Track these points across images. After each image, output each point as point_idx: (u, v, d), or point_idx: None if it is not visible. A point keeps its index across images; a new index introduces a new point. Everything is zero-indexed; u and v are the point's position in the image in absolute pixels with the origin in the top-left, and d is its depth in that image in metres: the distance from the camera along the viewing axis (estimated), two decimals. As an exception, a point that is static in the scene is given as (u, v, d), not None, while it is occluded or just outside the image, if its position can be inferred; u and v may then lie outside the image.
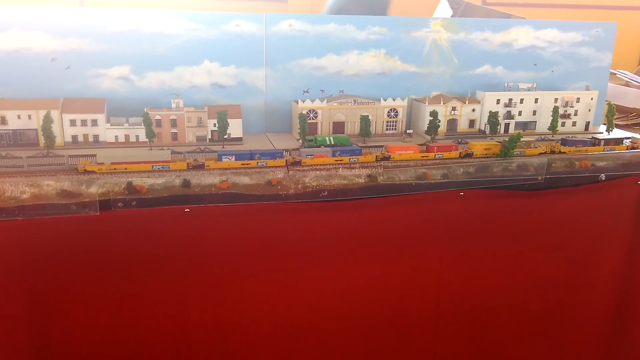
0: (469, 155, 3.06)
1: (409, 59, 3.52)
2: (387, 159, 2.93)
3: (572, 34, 3.78)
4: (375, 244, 2.88)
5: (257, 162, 2.75)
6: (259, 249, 2.71)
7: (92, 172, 2.53)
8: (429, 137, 3.27)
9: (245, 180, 2.62)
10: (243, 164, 2.72)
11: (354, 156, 2.88)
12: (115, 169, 2.56)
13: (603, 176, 3.14)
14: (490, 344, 3.32)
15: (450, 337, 3.21)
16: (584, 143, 3.24)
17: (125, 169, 2.57)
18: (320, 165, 2.78)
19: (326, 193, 2.71)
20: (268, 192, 2.63)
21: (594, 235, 3.24)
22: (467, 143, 3.15)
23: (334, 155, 2.86)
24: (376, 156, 2.93)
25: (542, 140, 3.31)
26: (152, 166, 2.61)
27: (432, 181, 2.85)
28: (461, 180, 2.91)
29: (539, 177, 3.02)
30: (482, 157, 3.04)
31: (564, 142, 3.25)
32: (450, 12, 4.70)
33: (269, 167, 2.73)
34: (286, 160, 2.79)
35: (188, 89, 3.19)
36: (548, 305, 3.33)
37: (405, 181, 2.82)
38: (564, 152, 3.18)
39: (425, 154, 3.00)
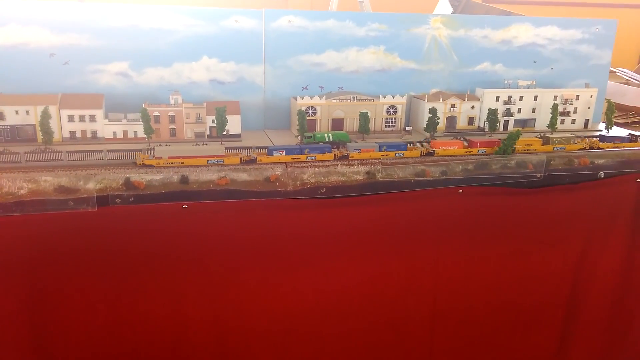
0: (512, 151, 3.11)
1: (409, 55, 3.51)
2: (432, 154, 2.98)
3: (572, 31, 3.77)
4: (373, 241, 2.88)
5: (307, 157, 2.80)
6: (257, 245, 2.71)
7: (151, 165, 2.58)
8: (427, 134, 3.26)
9: (243, 176, 2.61)
10: (293, 158, 2.79)
11: (399, 151, 2.93)
12: (172, 163, 2.62)
13: (602, 174, 3.14)
14: (488, 341, 3.32)
15: (447, 333, 3.21)
16: (621, 139, 3.26)
17: (182, 163, 2.63)
18: (320, 162, 2.79)
19: (324, 190, 2.70)
20: (266, 189, 2.62)
21: (592, 233, 3.24)
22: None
23: (380, 150, 2.92)
24: (421, 151, 2.98)
25: (578, 136, 3.32)
26: (208, 160, 2.67)
27: (431, 178, 2.85)
28: (460, 177, 2.90)
29: (538, 175, 3.02)
30: (523, 153, 3.08)
31: (602, 138, 3.27)
32: (450, 9, 4.69)
33: (268, 163, 2.72)
34: (334, 154, 2.86)
35: (187, 85, 3.18)
36: (546, 303, 3.33)
37: (404, 178, 2.81)
38: (602, 148, 3.19)
39: (469, 150, 3.04)
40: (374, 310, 3.02)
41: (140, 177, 2.49)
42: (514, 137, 3.01)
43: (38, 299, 2.53)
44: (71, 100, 2.94)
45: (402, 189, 2.81)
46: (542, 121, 3.58)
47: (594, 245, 3.27)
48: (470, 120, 3.52)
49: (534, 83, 3.66)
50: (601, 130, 3.63)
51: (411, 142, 3.04)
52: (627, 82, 4.84)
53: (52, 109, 2.80)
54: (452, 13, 4.66)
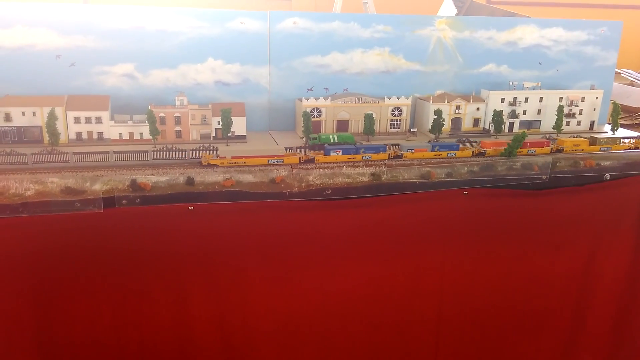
0: (559, 151, 3.14)
1: (414, 57, 3.51)
2: (483, 154, 3.02)
3: (577, 32, 3.76)
4: (378, 243, 2.88)
5: (363, 157, 2.87)
6: (263, 246, 2.71)
7: (215, 165, 2.65)
8: (432, 136, 3.26)
9: (249, 178, 2.62)
10: (349, 158, 2.85)
11: (451, 151, 2.99)
12: (235, 162, 2.68)
13: (608, 175, 3.13)
14: (493, 344, 3.31)
15: (453, 336, 3.21)
16: None
17: (245, 162, 2.70)
18: (325, 163, 2.79)
19: (330, 191, 2.70)
20: (272, 190, 2.62)
21: (598, 235, 3.23)
22: (556, 139, 3.23)
23: (432, 150, 2.97)
24: (472, 151, 3.01)
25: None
26: (268, 160, 2.73)
27: (436, 180, 2.85)
28: (465, 179, 2.90)
29: (544, 177, 3.01)
30: (571, 153, 3.13)
31: None
32: (455, 11, 4.68)
33: (273, 165, 2.72)
34: (389, 154, 2.91)
35: (192, 86, 3.19)
36: (552, 305, 3.32)
37: (409, 180, 2.81)
38: None
39: (519, 150, 3.07)
40: (379, 312, 3.01)
41: (147, 178, 2.49)
42: (519, 139, 3.01)
43: (44, 299, 2.54)
44: (77, 101, 2.94)
45: (407, 191, 2.81)
46: (548, 123, 3.57)
47: (600, 247, 3.26)
48: (476, 121, 3.52)
49: (539, 84, 3.65)
50: (607, 132, 3.62)
51: (462, 142, 3.11)
52: (631, 84, 4.83)
53: (59, 111, 2.80)
54: (457, 14, 4.66)
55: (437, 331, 3.16)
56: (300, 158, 2.80)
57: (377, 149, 2.93)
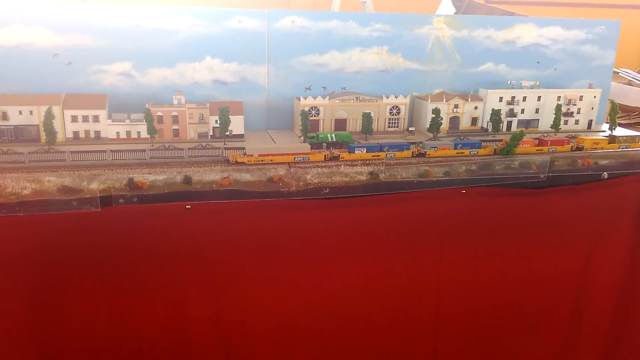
0: (579, 149, 3.18)
1: (412, 56, 3.51)
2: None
3: (575, 31, 3.76)
4: (376, 242, 2.88)
5: (386, 154, 2.90)
6: (260, 246, 2.71)
7: (242, 163, 2.67)
8: (431, 135, 3.26)
9: (246, 177, 2.61)
10: (374, 156, 2.88)
11: (474, 149, 3.01)
12: (262, 160, 2.70)
13: (605, 174, 3.13)
14: (492, 344, 3.32)
15: (451, 335, 3.21)
16: None
17: (271, 160, 2.72)
18: (323, 162, 2.79)
19: (327, 190, 2.70)
20: (269, 189, 2.62)
21: (596, 234, 3.24)
22: (576, 137, 3.27)
23: (455, 148, 2.99)
24: (494, 149, 3.04)
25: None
26: (294, 157, 2.76)
27: (434, 179, 2.85)
28: (463, 178, 2.90)
29: (542, 175, 3.01)
30: (591, 151, 3.17)
31: None
32: (453, 10, 4.68)
33: (271, 164, 2.72)
34: (412, 152, 2.94)
35: (190, 85, 3.18)
36: (550, 304, 3.32)
37: (407, 179, 2.81)
38: None
39: (540, 148, 3.13)
40: (377, 311, 3.01)
41: (144, 177, 2.49)
42: (517, 137, 3.01)
43: (40, 299, 2.53)
44: (74, 100, 2.94)
45: (405, 190, 2.80)
46: (546, 122, 3.57)
47: (598, 246, 3.26)
48: (474, 120, 3.52)
49: (537, 83, 3.65)
50: (605, 131, 3.62)
51: (484, 141, 3.14)
52: (629, 83, 4.83)
53: (56, 109, 2.80)
54: (455, 13, 4.66)
55: (435, 330, 3.17)
56: (325, 155, 2.84)
57: (401, 147, 2.96)
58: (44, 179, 2.39)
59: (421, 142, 3.09)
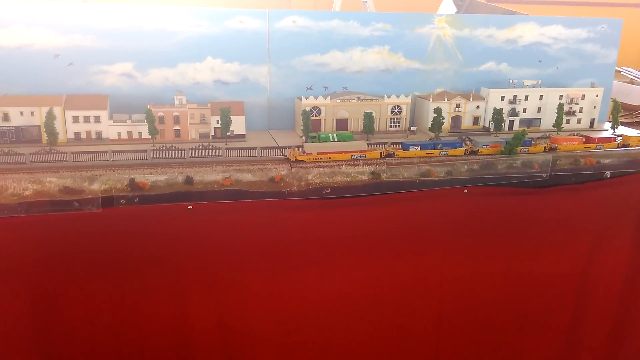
0: (625, 146, 3.20)
1: (413, 55, 3.50)
2: (554, 149, 3.10)
3: (577, 30, 3.75)
4: (378, 241, 2.87)
5: (440, 152, 2.94)
6: (262, 246, 2.71)
7: (302, 161, 2.71)
8: (432, 134, 3.25)
9: (248, 177, 2.61)
10: (427, 153, 2.91)
11: (524, 146, 3.04)
12: (321, 158, 2.75)
13: (608, 173, 3.12)
14: (494, 343, 3.31)
15: (453, 334, 3.20)
16: None
17: (329, 158, 2.77)
18: (325, 162, 2.78)
19: (329, 190, 2.70)
20: (271, 189, 2.61)
21: (599, 233, 3.23)
22: (621, 135, 3.29)
23: (506, 146, 3.02)
24: (544, 147, 3.09)
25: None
26: (352, 155, 2.80)
27: (436, 178, 2.84)
28: (465, 177, 2.89)
29: (544, 175, 3.00)
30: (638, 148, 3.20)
31: None
32: (455, 9, 4.67)
33: (272, 164, 2.71)
34: (465, 150, 2.97)
35: (191, 85, 3.18)
36: (552, 303, 3.31)
37: (409, 178, 2.80)
38: None
39: (588, 145, 3.16)
40: (379, 311, 3.01)
41: (145, 177, 2.49)
42: (519, 136, 3.00)
43: (42, 299, 2.53)
44: (76, 101, 2.94)
45: (407, 189, 2.80)
46: (548, 121, 3.56)
47: (600, 245, 3.25)
48: (476, 120, 3.51)
49: (539, 82, 3.64)
50: (607, 130, 3.61)
51: (532, 139, 3.16)
52: (631, 82, 4.82)
53: (57, 110, 2.80)
54: (456, 12, 4.65)
55: (437, 329, 3.16)
56: (381, 153, 2.88)
57: (454, 145, 2.99)
58: (46, 179, 2.39)
59: (472, 140, 3.12)
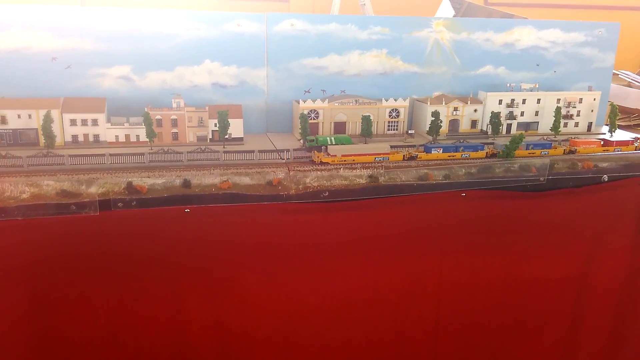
0: None
1: (411, 59, 3.51)
2: (573, 152, 3.14)
3: (574, 34, 3.76)
4: (376, 245, 2.87)
5: (462, 154, 2.98)
6: (260, 249, 2.70)
7: (327, 163, 2.78)
8: (430, 138, 3.25)
9: (245, 180, 2.61)
10: (450, 156, 2.96)
11: (544, 149, 3.09)
12: (345, 160, 2.79)
13: (606, 177, 3.13)
14: (492, 345, 3.30)
15: (451, 338, 3.20)
16: None
17: (353, 160, 2.80)
18: (323, 165, 2.78)
19: (327, 194, 2.70)
20: (269, 193, 2.61)
21: (596, 237, 3.23)
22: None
23: (527, 149, 3.07)
24: (564, 150, 3.13)
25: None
26: (375, 158, 2.84)
27: (434, 182, 2.84)
28: (463, 181, 2.89)
29: (541, 178, 3.00)
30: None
31: None
32: (453, 12, 4.68)
33: (270, 167, 2.71)
34: (486, 152, 3.02)
35: (189, 88, 3.18)
36: (550, 307, 3.31)
37: (407, 182, 2.81)
38: None
39: (606, 148, 3.20)
40: (377, 315, 3.01)
41: (143, 181, 2.48)
42: (517, 140, 3.00)
43: (39, 303, 2.52)
44: (73, 104, 2.93)
45: (405, 193, 2.80)
46: (545, 124, 3.56)
47: (598, 249, 3.25)
48: (473, 123, 3.51)
49: (537, 86, 3.65)
50: (604, 134, 3.62)
51: (556, 141, 3.22)
52: (629, 85, 4.83)
53: (55, 113, 2.79)
54: (454, 16, 4.66)
55: (435, 333, 3.16)
56: (404, 155, 2.92)
57: (476, 148, 3.03)
58: (43, 182, 2.38)
59: (493, 143, 3.14)
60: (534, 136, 3.47)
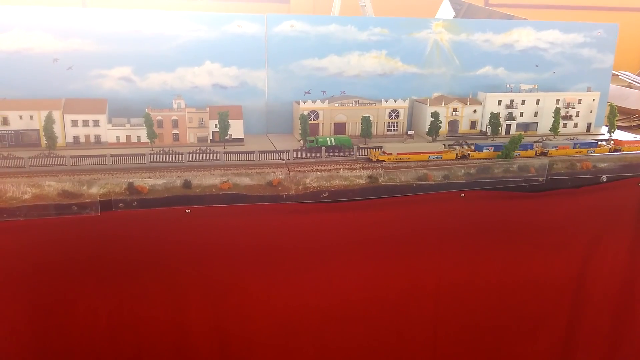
0: None
1: (411, 60, 3.52)
2: (618, 151, 3.18)
3: (573, 35, 3.77)
4: (375, 245, 2.88)
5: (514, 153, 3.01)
6: (260, 249, 2.71)
7: (382, 161, 2.84)
8: (429, 138, 3.26)
9: (246, 181, 2.62)
10: (498, 155, 2.99)
11: (590, 148, 3.12)
12: (400, 158, 2.84)
13: (604, 177, 3.13)
14: (491, 346, 3.31)
15: (450, 338, 3.21)
16: None
17: (408, 158, 2.85)
18: (322, 166, 2.79)
19: (327, 194, 2.71)
20: (269, 193, 2.63)
21: (595, 237, 3.24)
22: None
23: (574, 147, 3.11)
24: (609, 149, 3.17)
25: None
26: (429, 156, 2.89)
27: (433, 182, 2.85)
28: (462, 181, 2.90)
29: (540, 179, 3.01)
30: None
31: None
32: (453, 13, 4.69)
33: (270, 168, 2.73)
34: (535, 151, 3.06)
35: (189, 89, 3.19)
36: (549, 307, 3.32)
37: (406, 182, 2.82)
38: None
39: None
40: (376, 315, 3.02)
41: (144, 181, 2.50)
42: (516, 141, 3.01)
43: (40, 302, 2.53)
44: (75, 105, 2.95)
45: (404, 193, 2.81)
46: (545, 125, 3.58)
47: (597, 249, 3.26)
48: (473, 124, 3.52)
49: (536, 87, 3.66)
50: (604, 134, 3.63)
51: (600, 140, 3.23)
52: (629, 86, 4.85)
53: (56, 114, 2.81)
54: (454, 17, 4.67)
55: (434, 333, 3.17)
56: (457, 154, 2.96)
57: (525, 147, 3.06)
58: (44, 183, 2.40)
59: (541, 142, 3.18)
60: (533, 137, 3.48)
